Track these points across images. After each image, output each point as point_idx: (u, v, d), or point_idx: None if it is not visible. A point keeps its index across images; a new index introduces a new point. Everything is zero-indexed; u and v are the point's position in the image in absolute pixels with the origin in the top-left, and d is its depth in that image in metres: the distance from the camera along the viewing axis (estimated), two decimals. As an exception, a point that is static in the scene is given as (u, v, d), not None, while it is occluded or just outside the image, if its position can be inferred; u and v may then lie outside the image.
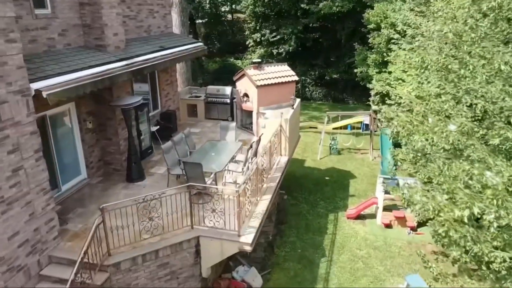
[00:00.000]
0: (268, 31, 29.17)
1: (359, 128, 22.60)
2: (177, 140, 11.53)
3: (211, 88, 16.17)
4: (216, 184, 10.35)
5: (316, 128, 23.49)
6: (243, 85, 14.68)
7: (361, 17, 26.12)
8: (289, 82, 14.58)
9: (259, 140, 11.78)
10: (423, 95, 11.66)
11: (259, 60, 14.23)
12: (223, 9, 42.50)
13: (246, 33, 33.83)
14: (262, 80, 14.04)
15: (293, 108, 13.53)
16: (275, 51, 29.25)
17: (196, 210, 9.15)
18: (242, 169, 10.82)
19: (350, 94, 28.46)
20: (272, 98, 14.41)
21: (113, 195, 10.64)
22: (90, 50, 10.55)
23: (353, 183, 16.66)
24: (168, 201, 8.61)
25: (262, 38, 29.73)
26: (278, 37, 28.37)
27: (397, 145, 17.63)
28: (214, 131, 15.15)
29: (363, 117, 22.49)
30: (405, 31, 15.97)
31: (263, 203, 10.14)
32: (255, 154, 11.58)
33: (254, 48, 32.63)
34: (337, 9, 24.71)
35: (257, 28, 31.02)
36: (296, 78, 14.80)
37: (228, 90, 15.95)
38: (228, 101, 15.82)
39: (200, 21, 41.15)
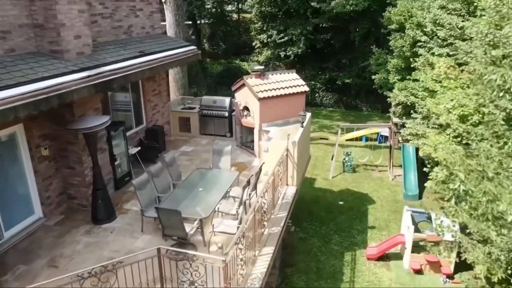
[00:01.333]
0: (275, 32, 26.52)
1: (375, 140, 19.94)
2: (155, 172, 8.95)
3: (207, 99, 13.59)
4: (202, 233, 7.79)
5: (327, 139, 20.83)
6: (243, 97, 12.10)
7: (377, 16, 23.44)
8: (298, 93, 11.97)
9: (260, 171, 9.20)
10: (471, 117, 9.01)
11: (262, 67, 11.71)
12: (228, 8, 40.02)
13: (252, 33, 31.23)
14: (265, 92, 11.44)
15: (302, 126, 10.92)
16: (282, 54, 26.60)
17: (172, 271, 6.57)
18: (237, 211, 8.24)
19: (363, 101, 25.71)
20: (277, 113, 11.82)
21: (71, 244, 8.11)
22: (42, 57, 8.01)
23: (372, 210, 13.99)
24: (130, 269, 6.07)
25: (269, 40, 27.11)
26: (286, 38, 25.70)
27: (423, 162, 14.95)
28: (208, 150, 12.59)
29: (380, 128, 19.83)
30: (435, 33, 13.27)
31: (263, 261, 7.55)
32: (255, 187, 9.02)
33: (261, 50, 30.07)
34: (351, 8, 21.98)
35: (264, 28, 28.44)
36: (306, 88, 12.17)
37: (226, 101, 13.37)
38: (226, 114, 13.25)
39: (204, 21, 38.73)
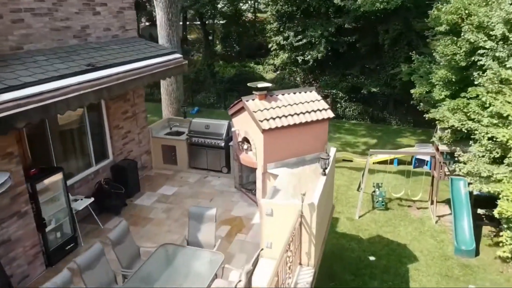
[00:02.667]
0: (292, 33, 22.89)
1: (409, 163, 16.21)
2: (85, 262, 5.49)
3: (197, 124, 10.07)
4: None
5: (351, 161, 17.16)
6: (242, 124, 8.61)
7: (411, 16, 19.65)
8: (318, 121, 8.41)
9: (257, 260, 5.70)
10: None
11: (268, 84, 8.18)
12: (244, 8, 36.55)
13: (267, 34, 27.68)
14: (272, 120, 7.89)
15: (325, 174, 7.36)
16: (300, 58, 22.95)
17: None
18: None
19: (392, 113, 21.85)
20: (289, 148, 8.29)
21: None
22: None
23: (414, 273, 10.30)
24: None
25: (285, 42, 23.51)
26: (304, 40, 22.04)
27: (476, 199, 11.21)
28: (197, 194, 9.17)
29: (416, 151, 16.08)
30: (509, 37, 9.50)
31: None
32: (249, 284, 5.52)
33: (277, 52, 26.51)
34: (381, 6, 18.18)
35: (280, 29, 24.87)
36: (330, 114, 8.55)
37: (222, 126, 9.86)
38: (223, 144, 9.76)
39: (217, 21, 35.36)
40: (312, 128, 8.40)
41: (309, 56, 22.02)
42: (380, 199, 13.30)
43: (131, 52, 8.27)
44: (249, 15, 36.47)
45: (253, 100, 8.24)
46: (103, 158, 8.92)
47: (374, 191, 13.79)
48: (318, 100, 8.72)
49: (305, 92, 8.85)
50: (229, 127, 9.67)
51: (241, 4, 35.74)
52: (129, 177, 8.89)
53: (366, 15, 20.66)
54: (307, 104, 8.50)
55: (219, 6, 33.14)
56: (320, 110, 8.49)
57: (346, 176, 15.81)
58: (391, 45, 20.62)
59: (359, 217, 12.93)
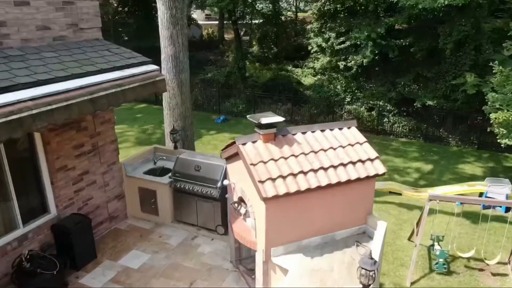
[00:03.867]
0: (333, 35, 19.37)
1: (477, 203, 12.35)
2: None
3: (186, 162, 6.93)
4: None
5: (399, 194, 13.51)
6: (238, 176, 5.45)
7: (482, 14, 15.61)
8: (360, 180, 5.09)
9: None
10: None
11: (278, 118, 4.98)
12: (284, 6, 33.27)
13: (308, 35, 24.30)
14: (281, 180, 4.61)
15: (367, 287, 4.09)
16: (341, 64, 19.41)
17: None
18: None
19: (451, 131, 17.81)
20: (308, 222, 5.01)
21: None
22: None
23: None
24: None
25: (325, 45, 20.02)
26: (348, 43, 18.46)
27: None
28: (174, 273, 6.09)
29: (485, 187, 12.25)
30: None
31: None
32: None
33: (317, 55, 23.11)
34: (446, 2, 14.31)
35: (322, 30, 21.43)
36: (380, 169, 5.15)
37: (218, 169, 6.66)
38: (218, 194, 6.62)
39: (256, 20, 32.32)
40: (349, 190, 5.09)
41: (352, 62, 18.42)
42: (441, 260, 9.66)
43: (74, 63, 5.31)
44: (289, 14, 33.17)
45: (254, 142, 5.05)
46: (40, 214, 6.04)
47: (431, 246, 10.18)
48: (361, 143, 5.38)
49: (340, 128, 5.52)
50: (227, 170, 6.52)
51: (281, 2, 32.57)
52: (76, 242, 5.97)
53: (424, 14, 16.81)
54: (342, 150, 5.19)
55: (260, 6, 30.17)
56: (363, 161, 5.15)
57: (394, 216, 12.21)
58: (454, 50, 16.62)
59: (412, 283, 9.39)
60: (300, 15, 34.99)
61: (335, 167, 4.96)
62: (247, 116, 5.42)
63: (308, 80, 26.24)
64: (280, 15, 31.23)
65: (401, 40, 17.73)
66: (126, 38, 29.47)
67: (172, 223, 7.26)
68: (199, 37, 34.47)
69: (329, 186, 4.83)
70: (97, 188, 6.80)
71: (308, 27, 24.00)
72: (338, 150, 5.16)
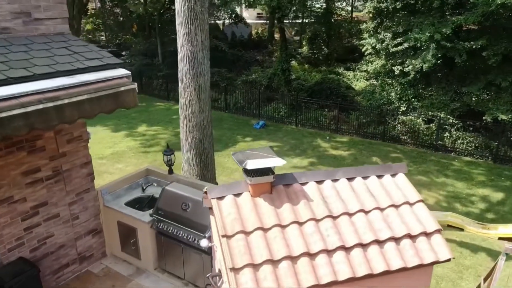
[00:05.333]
0: (389, 35, 16.85)
1: None
2: None
3: (172, 196, 5.18)
4: None
5: (461, 230, 10.95)
6: (217, 236, 3.63)
7: None
8: (403, 270, 3.06)
9: None
10: None
11: (275, 162, 3.13)
12: (338, 5, 30.81)
13: (363, 35, 21.84)
14: (268, 270, 2.78)
15: None
16: (397, 68, 16.84)
17: None
18: None
19: (529, 152, 14.71)
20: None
21: None
22: None
23: None
24: None
25: (379, 46, 17.53)
26: (405, 45, 15.83)
27: None
28: None
29: None
30: None
31: None
32: None
33: (371, 57, 20.65)
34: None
35: (377, 30, 18.96)
36: (443, 254, 3.12)
37: (208, 213, 4.93)
38: (206, 244, 4.86)
39: (308, 19, 30.22)
40: (393, 281, 3.06)
41: (410, 66, 15.81)
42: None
43: (7, 63, 3.74)
44: (343, 13, 30.67)
45: (237, 196, 3.16)
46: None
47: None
48: (411, 204, 3.31)
49: (379, 176, 3.48)
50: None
51: (336, 2, 30.18)
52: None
53: (501, 11, 13.91)
54: (378, 214, 3.16)
55: (308, 2, 28.04)
56: (414, 237, 3.08)
57: (453, 259, 9.74)
58: (537, 56, 13.59)
59: None
60: (356, 14, 32.34)
61: (364, 245, 2.97)
62: (231, 153, 3.55)
63: (359, 85, 23.73)
64: (333, 14, 28.89)
65: (471, 43, 14.83)
66: (173, 36, 28.45)
67: (156, 270, 5.56)
68: (247, 37, 32.90)
69: (352, 280, 2.84)
70: (60, 223, 5.25)
71: (363, 26, 21.50)
72: (372, 215, 3.15)
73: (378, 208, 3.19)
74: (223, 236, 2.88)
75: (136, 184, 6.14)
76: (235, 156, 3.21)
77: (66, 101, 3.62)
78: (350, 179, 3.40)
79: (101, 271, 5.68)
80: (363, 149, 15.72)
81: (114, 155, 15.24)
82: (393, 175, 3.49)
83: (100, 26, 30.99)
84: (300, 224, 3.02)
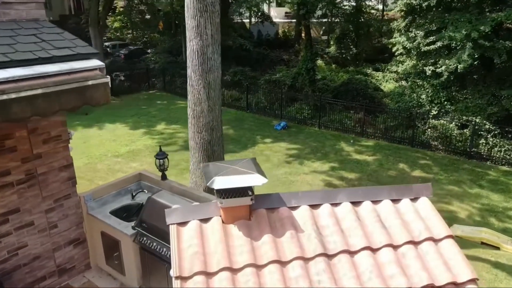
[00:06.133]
0: (421, 33, 15.65)
1: None
2: None
3: (157, 205, 4.51)
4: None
5: (497, 248, 9.78)
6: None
7: None
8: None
9: None
10: None
11: (255, 180, 2.45)
12: (368, 3, 29.57)
13: (393, 34, 20.65)
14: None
15: None
16: (429, 69, 15.62)
17: None
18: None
19: None
20: None
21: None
22: None
23: None
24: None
25: (410, 45, 16.34)
26: (439, 44, 14.62)
27: None
28: None
29: None
30: None
31: None
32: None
33: (402, 57, 19.46)
34: None
35: (409, 28, 17.78)
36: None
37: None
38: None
39: (337, 18, 29.21)
40: None
41: (443, 67, 14.58)
42: None
43: None
44: (373, 11, 29.41)
45: (204, 222, 2.41)
46: None
47: None
48: (435, 240, 2.45)
49: (394, 201, 2.64)
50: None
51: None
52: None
53: (548, 7, 12.53)
54: (390, 254, 2.33)
55: (346, 6, 27.03)
56: (438, 290, 2.22)
57: (487, 281, 8.63)
58: None
59: None
60: (386, 13, 30.97)
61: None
62: (201, 165, 2.81)
63: (388, 86, 22.50)
64: (362, 13, 27.70)
65: (512, 42, 13.50)
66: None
67: (140, 289, 4.91)
68: (274, 35, 32.11)
69: None
70: (35, 232, 4.68)
71: (394, 25, 20.30)
72: (382, 255, 2.33)
73: (390, 245, 2.37)
74: (176, 277, 2.15)
75: (126, 190, 5.51)
76: (204, 169, 2.47)
77: (14, 95, 2.99)
78: (355, 203, 2.58)
79: (82, 285, 5.09)
80: (390, 155, 14.64)
81: (130, 153, 14.84)
82: (414, 200, 2.65)
83: (128, 24, 30.97)
84: (283, 264, 2.24)
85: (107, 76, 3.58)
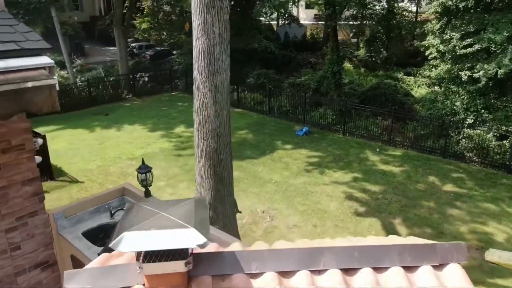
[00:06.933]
0: (457, 35, 14.35)
1: None
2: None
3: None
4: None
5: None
6: None
7: None
8: None
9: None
10: None
11: (188, 241, 1.80)
12: (402, 5, 28.18)
13: (427, 37, 19.30)
14: None
15: None
16: (465, 74, 14.29)
17: None
18: None
19: None
20: None
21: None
22: None
23: None
24: None
25: (444, 48, 15.04)
26: (477, 47, 13.31)
27: None
28: None
29: None
30: None
31: None
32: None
33: (435, 61, 18.15)
34: None
35: (444, 30, 16.50)
36: None
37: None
38: None
39: (368, 21, 27.93)
40: None
41: (481, 72, 13.25)
42: None
43: None
44: (406, 13, 27.96)
45: None
46: None
47: None
48: None
49: (408, 267, 1.75)
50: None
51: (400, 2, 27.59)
52: None
53: None
54: None
55: (377, 8, 25.83)
56: None
57: (527, 319, 7.44)
58: None
59: None
60: (424, 15, 29.41)
61: None
62: (126, 206, 2.02)
63: (420, 91, 21.13)
64: (395, 14, 26.32)
65: (562, 45, 12.05)
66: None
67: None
68: (301, 38, 31.16)
69: None
70: (-9, 256, 4.03)
71: (428, 26, 18.98)
72: None
73: None
74: None
75: (105, 207, 4.82)
76: (123, 217, 1.70)
77: None
78: (348, 271, 1.72)
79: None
80: (419, 166, 13.44)
81: (145, 156, 14.22)
82: (438, 267, 1.76)
83: (156, 25, 30.86)
84: None
85: (54, 77, 2.87)
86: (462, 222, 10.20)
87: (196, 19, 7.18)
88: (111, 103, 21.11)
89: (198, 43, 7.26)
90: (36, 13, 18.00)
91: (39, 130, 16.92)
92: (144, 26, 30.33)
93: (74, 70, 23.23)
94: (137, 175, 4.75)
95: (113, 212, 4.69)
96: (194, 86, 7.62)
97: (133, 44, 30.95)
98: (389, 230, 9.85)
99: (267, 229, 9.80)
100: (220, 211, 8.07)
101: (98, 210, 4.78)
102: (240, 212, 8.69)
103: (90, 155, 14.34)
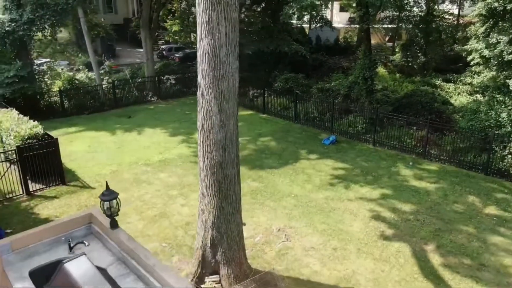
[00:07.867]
0: (504, 39, 12.75)
1: None
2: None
3: (66, 278, 2.97)
4: None
5: None
6: None
7: None
8: None
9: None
10: None
11: None
12: (442, 8, 26.34)
13: (469, 41, 17.59)
14: None
15: None
16: (513, 82, 12.67)
17: None
18: None
19: None
20: None
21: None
22: None
23: None
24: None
25: (489, 53, 13.45)
26: (528, 52, 11.77)
27: None
28: None
29: None
30: None
31: None
32: None
33: (479, 67, 16.49)
34: None
35: (489, 34, 14.86)
36: None
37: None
38: None
39: (406, 24, 26.28)
40: None
41: (533, 80, 11.65)
42: None
43: None
44: (448, 16, 26.06)
45: None
46: None
47: None
48: None
49: None
50: None
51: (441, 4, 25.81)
52: None
53: None
54: None
55: (415, 10, 24.22)
56: None
57: None
58: None
59: None
60: (467, 18, 27.37)
61: None
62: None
63: (461, 100, 19.39)
64: (435, 17, 24.53)
65: None
66: (255, 38, 26.50)
67: None
68: (333, 41, 29.82)
69: None
70: None
71: (472, 29, 17.30)
72: None
73: None
74: None
75: (67, 238, 3.99)
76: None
77: None
78: None
79: None
80: (457, 183, 11.97)
81: (161, 162, 13.66)
82: None
83: (186, 27, 30.50)
84: None
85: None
86: (507, 252, 8.76)
87: (200, 17, 6.32)
88: (135, 105, 20.74)
89: (202, 44, 6.39)
90: (64, 14, 17.80)
91: (62, 131, 16.70)
92: (175, 28, 30.03)
93: (102, 71, 23.08)
94: (100, 203, 3.90)
95: (72, 245, 3.85)
96: (198, 93, 6.75)
97: (163, 46, 30.72)
98: (420, 258, 8.58)
99: (281, 251, 8.78)
100: (224, 231, 7.14)
101: (58, 240, 3.97)
102: (244, 224, 7.70)
103: (107, 159, 13.82)
